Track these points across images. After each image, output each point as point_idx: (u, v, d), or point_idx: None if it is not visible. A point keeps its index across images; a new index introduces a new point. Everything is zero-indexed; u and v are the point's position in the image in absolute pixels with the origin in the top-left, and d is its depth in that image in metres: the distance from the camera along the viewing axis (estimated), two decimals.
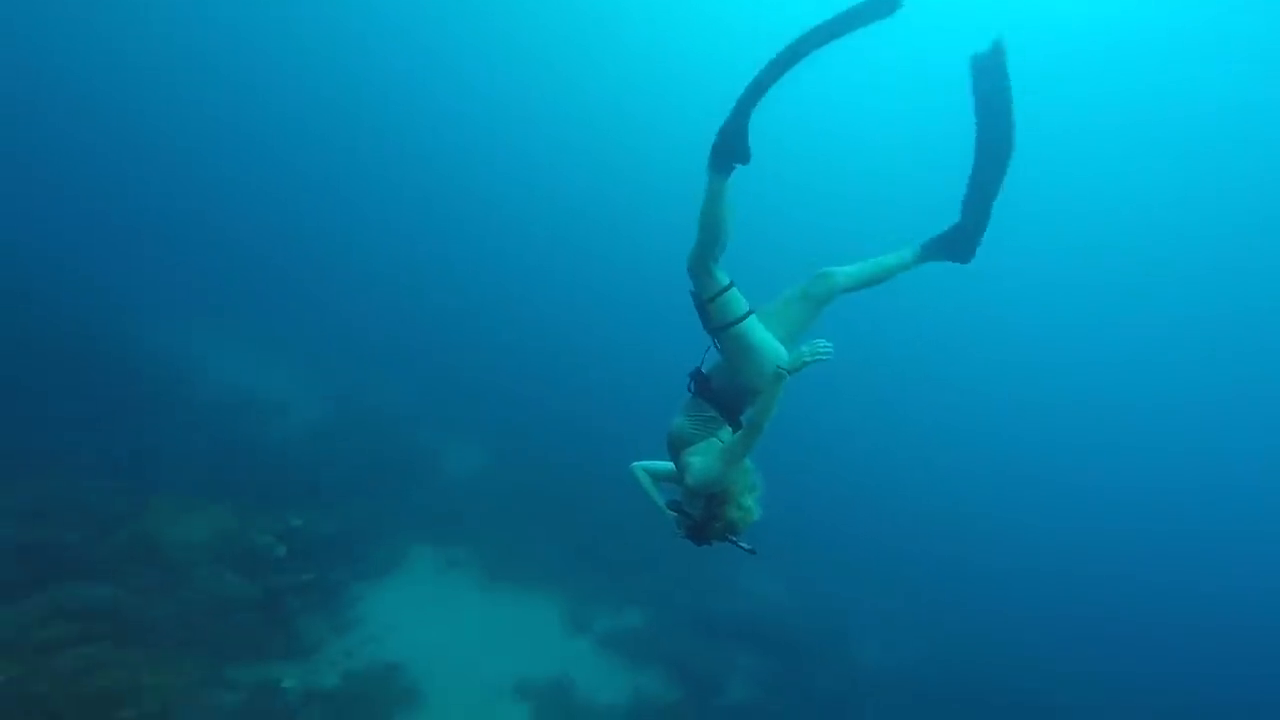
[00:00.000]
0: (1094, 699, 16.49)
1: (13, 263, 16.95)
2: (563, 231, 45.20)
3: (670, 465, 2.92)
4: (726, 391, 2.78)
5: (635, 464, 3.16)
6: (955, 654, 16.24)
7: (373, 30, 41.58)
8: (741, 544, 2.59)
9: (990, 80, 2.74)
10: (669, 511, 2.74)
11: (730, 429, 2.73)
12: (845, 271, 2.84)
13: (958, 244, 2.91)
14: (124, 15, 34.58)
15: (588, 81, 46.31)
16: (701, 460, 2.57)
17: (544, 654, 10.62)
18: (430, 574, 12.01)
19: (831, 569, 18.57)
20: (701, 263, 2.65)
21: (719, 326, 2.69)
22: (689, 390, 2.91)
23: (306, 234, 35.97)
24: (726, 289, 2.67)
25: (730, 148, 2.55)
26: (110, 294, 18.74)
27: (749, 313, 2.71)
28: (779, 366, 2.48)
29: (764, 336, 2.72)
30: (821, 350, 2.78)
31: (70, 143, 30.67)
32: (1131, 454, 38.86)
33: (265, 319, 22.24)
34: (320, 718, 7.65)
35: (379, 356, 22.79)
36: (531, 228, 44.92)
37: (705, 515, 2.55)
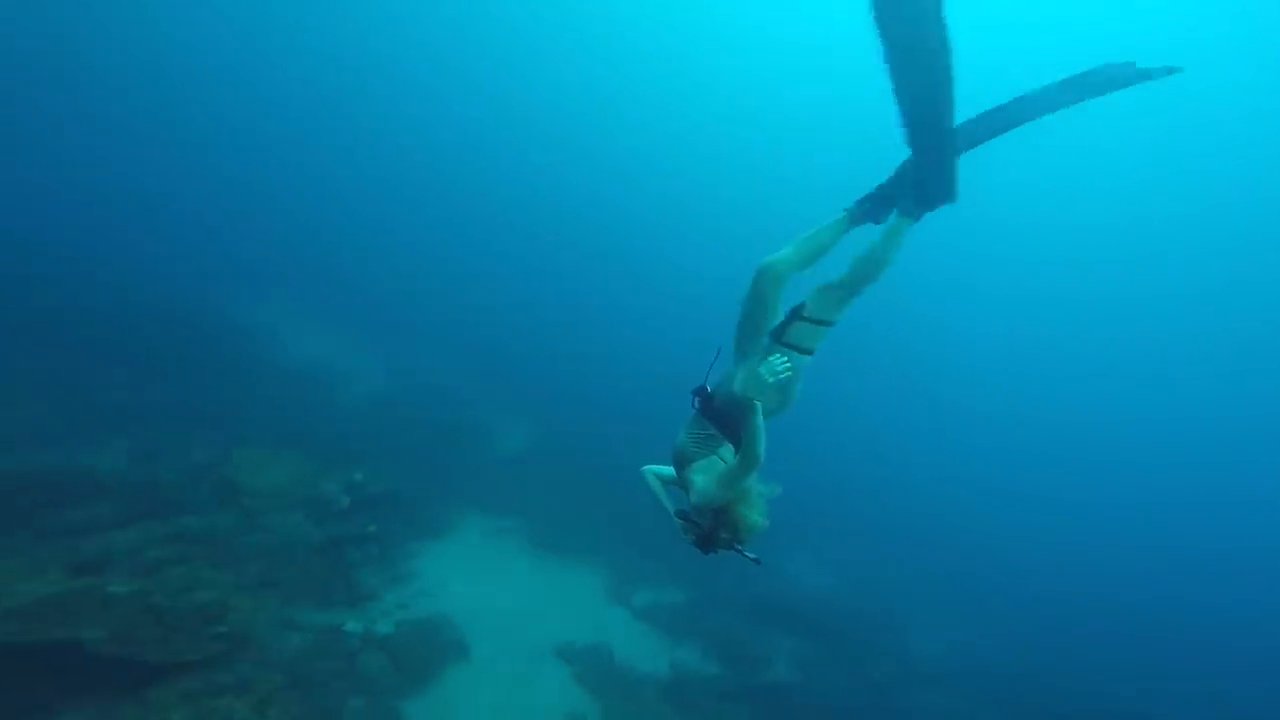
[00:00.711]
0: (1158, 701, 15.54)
1: (126, 250, 19.28)
2: (611, 222, 45.85)
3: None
4: (728, 410, 2.72)
5: (646, 467, 3.15)
6: (1012, 648, 15.69)
7: (434, 26, 43.04)
8: (747, 554, 2.59)
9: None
10: (677, 519, 2.74)
11: (731, 447, 2.69)
12: (782, 254, 2.71)
13: (927, 185, 2.67)
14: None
15: (641, 63, 46.56)
16: (703, 480, 2.56)
17: (585, 621, 10.88)
18: (479, 539, 12.51)
19: (883, 560, 18.37)
20: (848, 294, 2.76)
21: (788, 344, 2.75)
22: (693, 407, 2.89)
23: (373, 223, 38.15)
24: (830, 324, 2.76)
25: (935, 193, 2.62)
26: (203, 277, 20.59)
27: (811, 353, 2.79)
28: (749, 397, 2.50)
29: (796, 381, 2.75)
30: (780, 369, 2.64)
31: (178, 148, 33.58)
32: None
33: (332, 301, 23.75)
34: (377, 661, 8.11)
35: (436, 339, 23.90)
36: (581, 219, 45.80)
37: (712, 526, 2.54)
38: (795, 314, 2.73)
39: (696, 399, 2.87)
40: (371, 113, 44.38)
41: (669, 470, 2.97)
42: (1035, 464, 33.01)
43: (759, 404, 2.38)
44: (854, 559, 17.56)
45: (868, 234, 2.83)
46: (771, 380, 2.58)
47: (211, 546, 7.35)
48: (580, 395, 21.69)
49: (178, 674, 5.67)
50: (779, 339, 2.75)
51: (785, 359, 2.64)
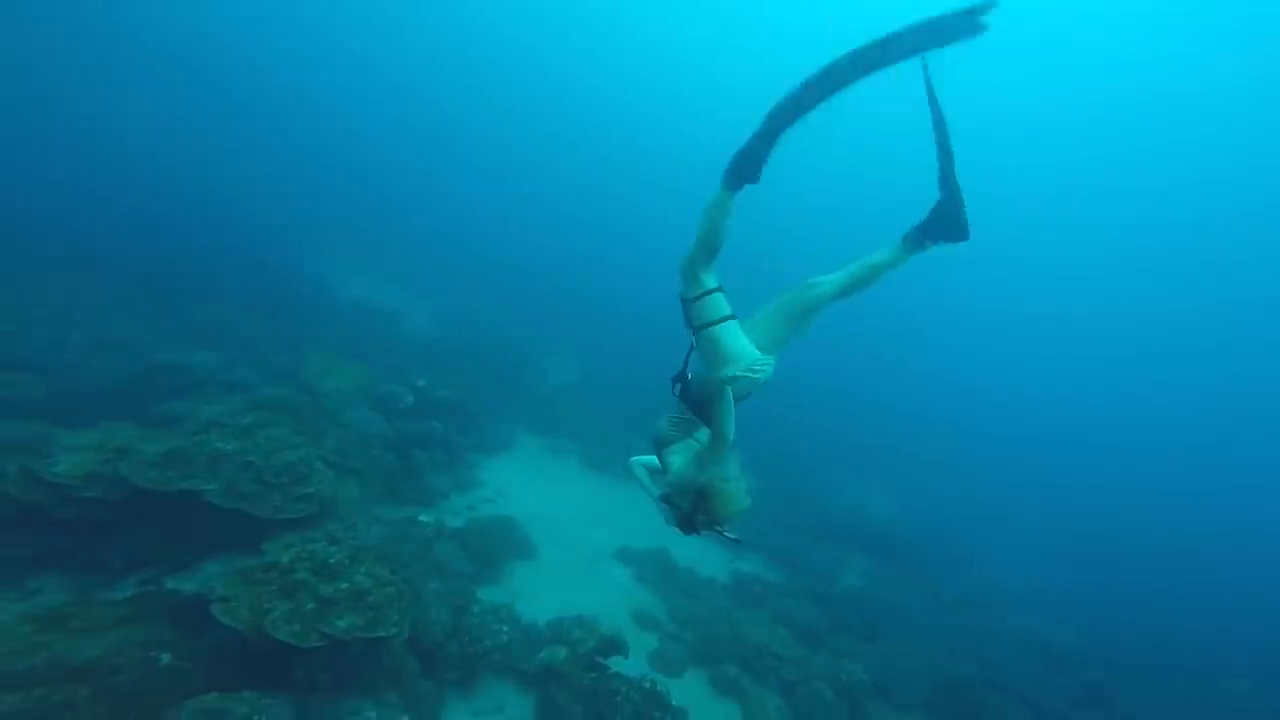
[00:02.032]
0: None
1: (222, 211, 20.61)
2: (650, 177, 45.52)
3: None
4: (704, 395, 2.81)
5: (633, 459, 3.28)
6: (1095, 582, 15.39)
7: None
8: (727, 534, 2.69)
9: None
10: (661, 504, 2.82)
11: (708, 431, 2.73)
12: (832, 279, 2.81)
13: (944, 222, 2.75)
14: None
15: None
16: (679, 460, 2.70)
17: (643, 531, 10.98)
18: (536, 455, 12.76)
19: (952, 494, 18.17)
20: (692, 265, 2.74)
21: (698, 326, 2.77)
22: (673, 394, 3.01)
23: (414, 174, 38.97)
24: (711, 292, 2.75)
25: (750, 170, 2.62)
26: (261, 230, 21.38)
27: (729, 317, 2.77)
28: (721, 378, 2.62)
29: (738, 342, 2.76)
30: (759, 366, 2.76)
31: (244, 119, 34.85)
32: None
33: (377, 252, 24.33)
34: (451, 549, 8.35)
35: (481, 286, 24.27)
36: (616, 176, 45.70)
37: (692, 508, 2.63)
38: (683, 300, 2.81)
39: (676, 385, 3.00)
40: (415, 71, 45.04)
41: (654, 460, 3.06)
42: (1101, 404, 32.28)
43: (728, 387, 2.47)
44: (922, 492, 17.38)
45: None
46: (744, 374, 2.72)
47: (295, 418, 7.64)
48: (627, 334, 21.77)
49: (280, 530, 5.91)
50: (690, 326, 2.83)
51: (767, 359, 2.78)
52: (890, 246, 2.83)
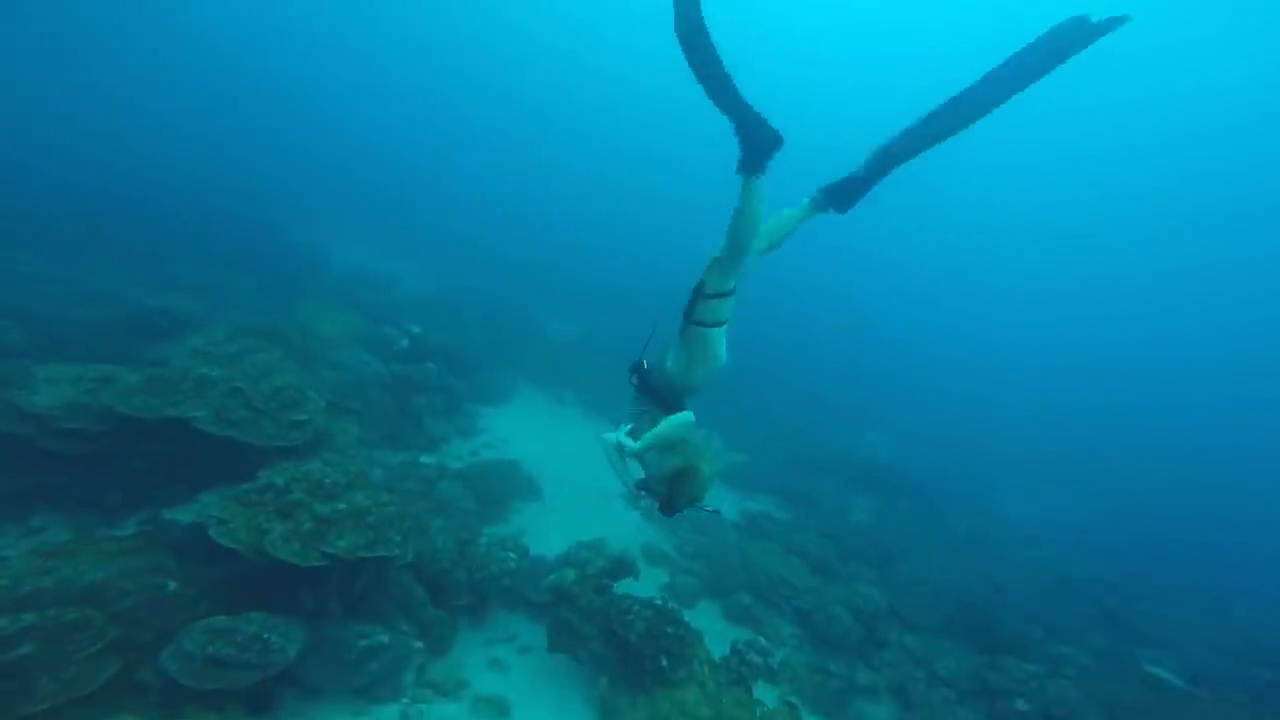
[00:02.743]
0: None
1: (224, 181, 20.37)
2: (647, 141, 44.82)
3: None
4: (665, 387, 2.92)
5: (605, 436, 3.05)
6: (1107, 518, 15.40)
7: None
8: (705, 508, 2.86)
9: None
10: (638, 490, 2.90)
11: (665, 417, 2.83)
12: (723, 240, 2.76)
13: (845, 192, 2.77)
14: None
15: None
16: (651, 456, 2.77)
17: None
18: (538, 405, 12.56)
19: (960, 436, 18.14)
20: (728, 263, 2.69)
21: (698, 322, 2.76)
22: (630, 384, 3.10)
23: (404, 146, 38.32)
24: (728, 294, 2.73)
25: (850, 197, 2.67)
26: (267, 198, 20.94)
27: (725, 323, 2.79)
28: (609, 439, 2.78)
29: (719, 347, 2.84)
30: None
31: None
32: None
33: (371, 221, 23.91)
34: (454, 489, 8.18)
35: (483, 253, 23.93)
36: (613, 142, 44.96)
37: (670, 492, 2.74)
38: (697, 293, 2.77)
39: (633, 376, 3.09)
40: (411, 44, 44.20)
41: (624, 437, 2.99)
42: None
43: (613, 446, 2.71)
44: (926, 436, 17.30)
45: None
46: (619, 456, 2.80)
47: (285, 348, 7.37)
48: (629, 292, 21.43)
49: (275, 459, 5.69)
50: (689, 318, 2.80)
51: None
52: (804, 201, 2.85)
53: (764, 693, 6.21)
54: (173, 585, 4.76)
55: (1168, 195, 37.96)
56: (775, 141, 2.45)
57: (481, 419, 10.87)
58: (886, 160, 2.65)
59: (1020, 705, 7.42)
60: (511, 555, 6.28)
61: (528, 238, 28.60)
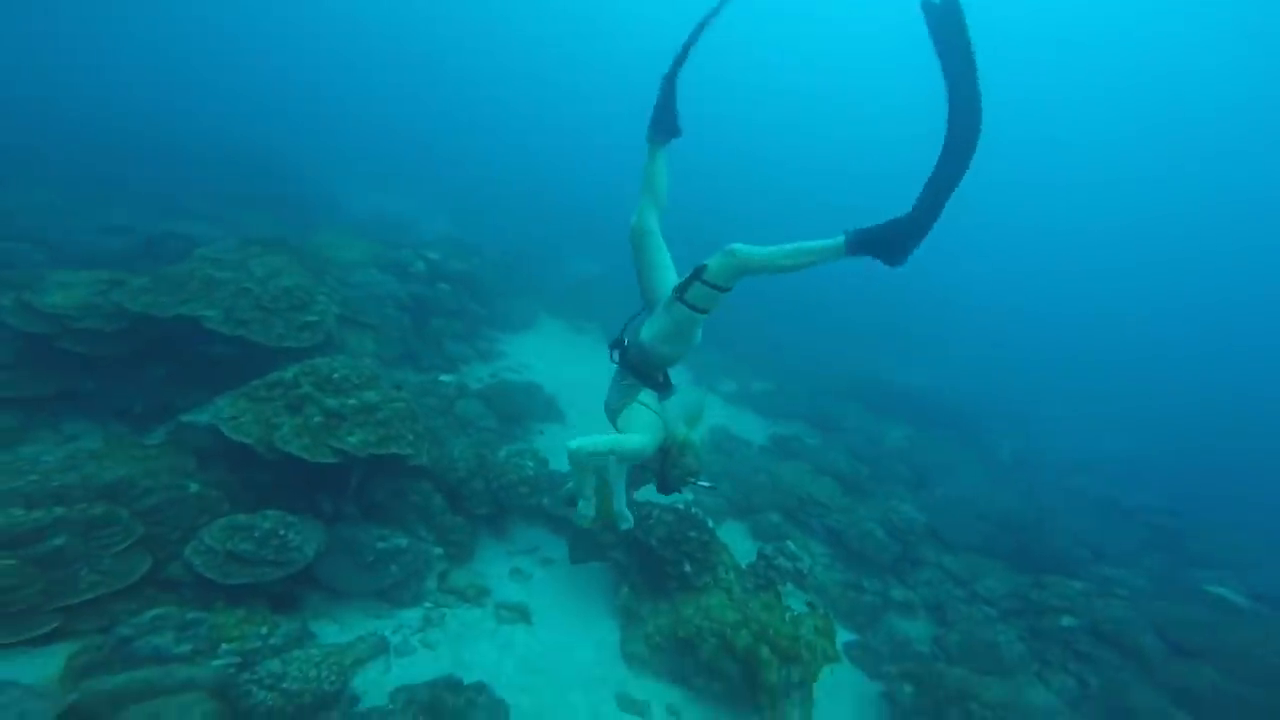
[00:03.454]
0: None
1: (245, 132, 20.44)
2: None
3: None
4: (641, 360, 2.97)
5: (571, 445, 2.91)
6: (1157, 441, 14.68)
7: None
8: (702, 483, 2.94)
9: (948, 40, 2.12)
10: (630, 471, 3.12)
11: (649, 391, 2.94)
12: (758, 251, 2.64)
13: (894, 241, 2.42)
14: None
15: None
16: (637, 436, 2.80)
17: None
18: (560, 333, 12.34)
19: (995, 367, 17.38)
20: (744, 268, 2.61)
21: (690, 304, 2.72)
22: (612, 361, 3.18)
23: (438, 102, 37.78)
24: (728, 290, 2.70)
25: (887, 244, 2.42)
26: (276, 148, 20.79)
27: (709, 311, 2.76)
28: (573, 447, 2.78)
29: (697, 334, 2.90)
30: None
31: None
32: None
33: (386, 169, 23.55)
34: (475, 407, 8.03)
35: (504, 198, 23.46)
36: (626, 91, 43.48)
37: (663, 468, 2.88)
38: (696, 274, 2.72)
39: (614, 352, 3.15)
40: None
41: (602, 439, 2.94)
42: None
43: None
44: (960, 365, 16.57)
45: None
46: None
47: (297, 259, 7.19)
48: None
49: (286, 361, 5.53)
50: (680, 295, 2.77)
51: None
52: (832, 239, 2.53)
53: (794, 601, 5.99)
54: (194, 487, 4.71)
55: (1225, 120, 35.03)
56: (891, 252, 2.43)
57: (501, 344, 10.67)
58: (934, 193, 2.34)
59: (1066, 621, 7.08)
60: (529, 463, 6.10)
61: (551, 186, 28.02)
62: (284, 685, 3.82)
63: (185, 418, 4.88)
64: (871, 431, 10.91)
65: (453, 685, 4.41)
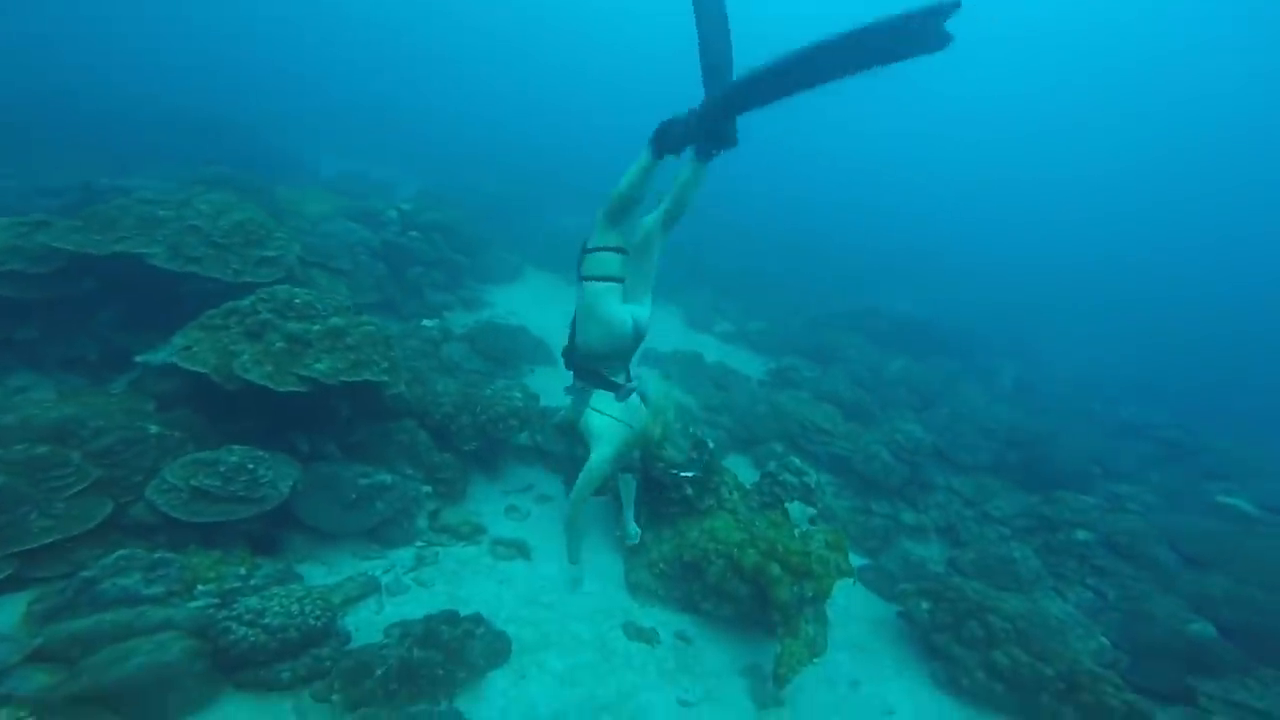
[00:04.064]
0: None
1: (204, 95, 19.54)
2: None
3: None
4: (580, 359, 2.95)
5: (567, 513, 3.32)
6: (1164, 361, 14.51)
7: None
8: (684, 474, 3.11)
9: None
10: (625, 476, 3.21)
11: (601, 393, 2.97)
12: (652, 216, 2.90)
13: (717, 133, 2.55)
14: None
15: None
16: (596, 454, 2.97)
17: (667, 338, 10.24)
18: (547, 284, 11.90)
19: (988, 298, 17.10)
20: (603, 218, 2.73)
21: (583, 276, 2.85)
22: (566, 368, 3.15)
23: (411, 65, 36.43)
24: (609, 250, 2.75)
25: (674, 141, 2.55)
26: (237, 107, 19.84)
27: (615, 279, 2.78)
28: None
29: (614, 309, 2.82)
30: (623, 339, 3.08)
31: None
32: None
33: (366, 134, 22.63)
34: (460, 350, 7.67)
35: (482, 160, 22.68)
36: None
37: (644, 465, 2.99)
38: (582, 250, 2.87)
39: (564, 358, 3.13)
40: None
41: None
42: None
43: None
44: (961, 297, 16.26)
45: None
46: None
47: (253, 198, 6.70)
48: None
49: (244, 293, 5.09)
50: (582, 276, 2.86)
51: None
52: (685, 165, 2.70)
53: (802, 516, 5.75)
54: (154, 429, 4.35)
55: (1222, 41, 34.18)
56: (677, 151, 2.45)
57: (487, 294, 10.27)
58: (737, 95, 2.39)
59: (1081, 535, 6.92)
60: (518, 394, 5.77)
61: (524, 145, 27.18)
62: (265, 621, 3.54)
63: (140, 358, 4.49)
64: (872, 361, 10.61)
65: (449, 618, 4.16)
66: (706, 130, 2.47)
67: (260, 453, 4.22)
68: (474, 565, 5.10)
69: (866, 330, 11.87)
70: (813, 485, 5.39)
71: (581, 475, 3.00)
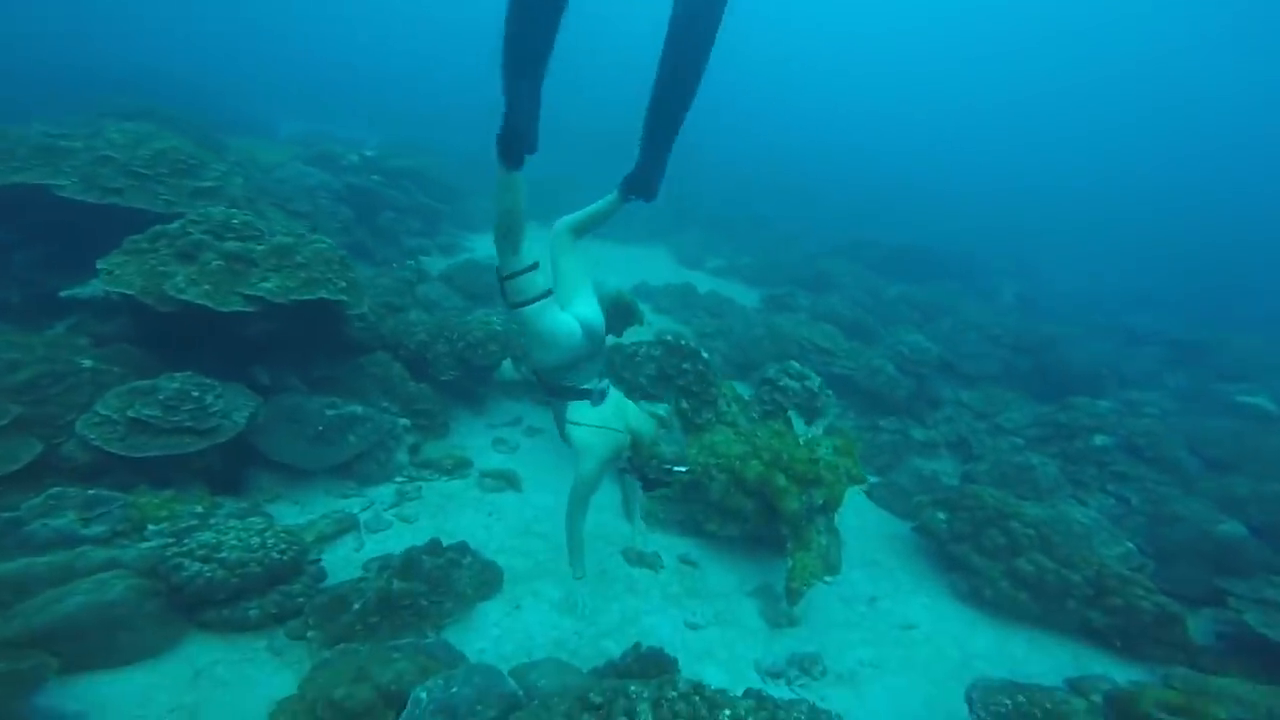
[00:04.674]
0: None
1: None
2: None
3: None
4: (543, 378, 2.85)
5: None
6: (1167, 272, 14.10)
7: None
8: (679, 469, 2.78)
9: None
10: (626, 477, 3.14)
11: (573, 404, 2.78)
12: (562, 223, 2.88)
13: (640, 183, 2.68)
14: None
15: None
16: (581, 467, 2.74)
17: (659, 273, 9.79)
18: (534, 232, 11.37)
19: (992, 216, 16.62)
20: (506, 237, 2.61)
21: (511, 305, 2.71)
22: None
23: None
24: (523, 272, 2.63)
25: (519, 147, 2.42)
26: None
27: (544, 294, 2.67)
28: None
29: (554, 322, 2.68)
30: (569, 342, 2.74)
31: None
32: None
33: (331, 98, 21.61)
34: (438, 290, 7.22)
35: (451, 121, 21.67)
36: None
37: (640, 467, 2.81)
38: (497, 276, 2.73)
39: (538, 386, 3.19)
40: None
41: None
42: None
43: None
44: (955, 225, 15.72)
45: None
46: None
47: (175, 129, 6.10)
48: (607, 138, 19.41)
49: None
50: (510, 305, 2.72)
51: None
52: (612, 193, 2.77)
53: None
54: (88, 363, 3.93)
55: None
56: (532, 147, 2.42)
57: (468, 241, 9.74)
58: (653, 142, 2.54)
59: (1099, 440, 6.61)
60: (494, 319, 5.34)
61: (492, 99, 26.04)
62: (221, 556, 3.19)
63: (65, 293, 4.04)
64: (870, 286, 10.17)
65: (432, 548, 3.82)
66: (634, 180, 2.67)
67: (207, 380, 3.81)
68: (460, 499, 4.77)
69: (863, 259, 11.39)
70: (816, 389, 5.02)
71: (570, 494, 2.82)
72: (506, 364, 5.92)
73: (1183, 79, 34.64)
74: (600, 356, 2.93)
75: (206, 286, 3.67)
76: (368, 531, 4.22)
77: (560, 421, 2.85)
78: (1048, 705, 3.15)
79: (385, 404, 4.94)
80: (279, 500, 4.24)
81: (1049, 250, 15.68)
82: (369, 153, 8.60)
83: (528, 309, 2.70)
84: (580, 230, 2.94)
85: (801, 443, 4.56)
